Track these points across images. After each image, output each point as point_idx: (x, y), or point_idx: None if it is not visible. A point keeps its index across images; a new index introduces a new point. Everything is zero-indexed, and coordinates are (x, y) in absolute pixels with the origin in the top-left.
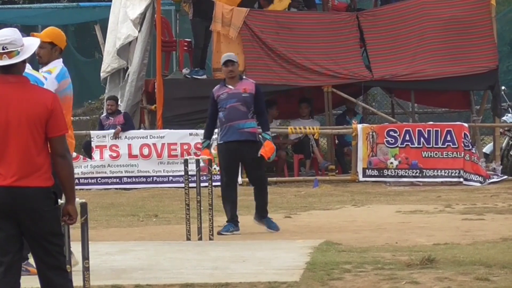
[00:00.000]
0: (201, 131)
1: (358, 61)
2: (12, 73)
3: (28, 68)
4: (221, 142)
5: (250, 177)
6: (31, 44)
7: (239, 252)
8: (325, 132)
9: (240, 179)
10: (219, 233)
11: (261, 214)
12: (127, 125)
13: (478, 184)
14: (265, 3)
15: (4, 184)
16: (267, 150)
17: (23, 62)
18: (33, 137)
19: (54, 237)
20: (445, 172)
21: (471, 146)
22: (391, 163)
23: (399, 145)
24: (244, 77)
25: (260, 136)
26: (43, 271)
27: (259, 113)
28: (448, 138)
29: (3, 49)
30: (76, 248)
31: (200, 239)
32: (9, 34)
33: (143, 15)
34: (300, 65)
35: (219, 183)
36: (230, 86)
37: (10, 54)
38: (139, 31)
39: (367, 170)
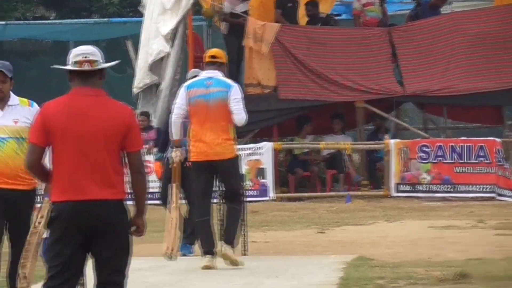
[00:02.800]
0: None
1: (389, 76)
2: (91, 86)
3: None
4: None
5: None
6: (108, 63)
7: (272, 268)
8: (357, 147)
9: (272, 194)
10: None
11: (191, 239)
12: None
13: (511, 199)
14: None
15: (78, 199)
16: None
17: (101, 77)
18: (108, 151)
19: (124, 253)
20: (477, 188)
21: (503, 162)
22: (424, 178)
23: (432, 161)
24: None
25: None
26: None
27: None
28: (481, 153)
29: (84, 57)
30: None
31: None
32: (90, 47)
33: (174, 31)
34: (332, 81)
35: (251, 199)
36: None
37: (91, 63)
38: (171, 47)
39: (399, 186)
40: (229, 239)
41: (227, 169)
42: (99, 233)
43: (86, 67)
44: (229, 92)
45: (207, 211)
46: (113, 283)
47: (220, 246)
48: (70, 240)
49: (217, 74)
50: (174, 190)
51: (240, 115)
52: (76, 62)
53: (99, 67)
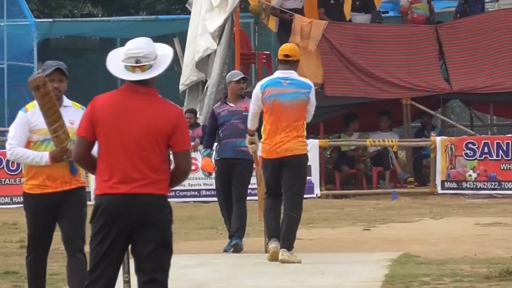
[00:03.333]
0: None
1: (436, 73)
2: (143, 84)
3: (293, 74)
4: (218, 158)
5: (236, 195)
6: (165, 56)
7: (317, 265)
8: (404, 144)
9: (318, 191)
10: (224, 250)
11: (241, 235)
12: None
13: None
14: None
15: (120, 192)
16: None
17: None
18: (152, 149)
19: (166, 248)
20: None
21: None
22: (470, 175)
23: (478, 158)
24: (245, 97)
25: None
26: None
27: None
28: None
29: (136, 62)
30: None
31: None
32: (144, 46)
33: (222, 28)
34: (379, 78)
35: None
36: (231, 104)
37: (142, 68)
38: (218, 44)
39: (445, 183)
40: (287, 245)
41: (293, 164)
42: (139, 227)
43: (137, 73)
44: (311, 93)
45: (278, 205)
46: (156, 281)
47: (280, 252)
48: (109, 232)
49: (293, 74)
50: (259, 171)
51: (311, 116)
52: (127, 65)
53: (150, 76)
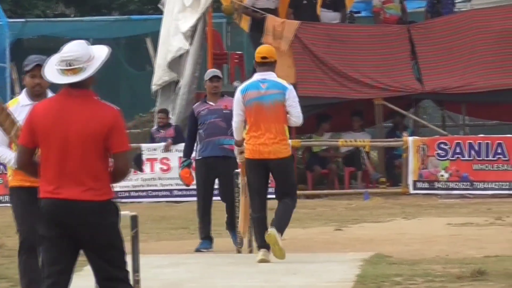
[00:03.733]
0: None
1: (409, 73)
2: (78, 87)
3: (271, 75)
4: (199, 157)
5: (222, 193)
6: (100, 57)
7: (290, 265)
8: (376, 145)
9: None
10: (196, 250)
11: (232, 226)
12: (178, 138)
13: None
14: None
15: (60, 197)
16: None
17: (90, 78)
18: (90, 152)
19: (116, 250)
20: (495, 185)
21: None
22: (442, 175)
23: (450, 158)
24: (225, 95)
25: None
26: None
27: None
28: (499, 150)
29: (68, 65)
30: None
31: (250, 252)
32: (75, 49)
33: (194, 28)
34: (351, 78)
35: (269, 196)
36: (211, 103)
37: (74, 70)
38: (190, 44)
39: (417, 183)
40: (278, 226)
41: (280, 168)
42: (82, 233)
43: (70, 76)
44: (286, 95)
45: (263, 207)
46: (117, 279)
47: (270, 229)
48: (54, 236)
49: (271, 75)
50: (242, 180)
51: (298, 118)
52: (60, 69)
53: (80, 78)
